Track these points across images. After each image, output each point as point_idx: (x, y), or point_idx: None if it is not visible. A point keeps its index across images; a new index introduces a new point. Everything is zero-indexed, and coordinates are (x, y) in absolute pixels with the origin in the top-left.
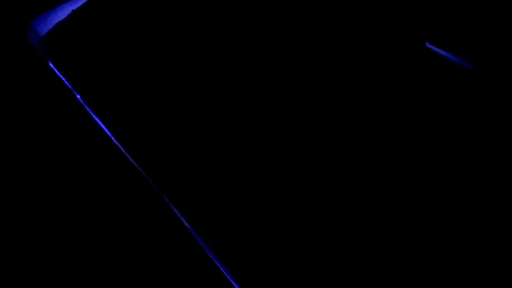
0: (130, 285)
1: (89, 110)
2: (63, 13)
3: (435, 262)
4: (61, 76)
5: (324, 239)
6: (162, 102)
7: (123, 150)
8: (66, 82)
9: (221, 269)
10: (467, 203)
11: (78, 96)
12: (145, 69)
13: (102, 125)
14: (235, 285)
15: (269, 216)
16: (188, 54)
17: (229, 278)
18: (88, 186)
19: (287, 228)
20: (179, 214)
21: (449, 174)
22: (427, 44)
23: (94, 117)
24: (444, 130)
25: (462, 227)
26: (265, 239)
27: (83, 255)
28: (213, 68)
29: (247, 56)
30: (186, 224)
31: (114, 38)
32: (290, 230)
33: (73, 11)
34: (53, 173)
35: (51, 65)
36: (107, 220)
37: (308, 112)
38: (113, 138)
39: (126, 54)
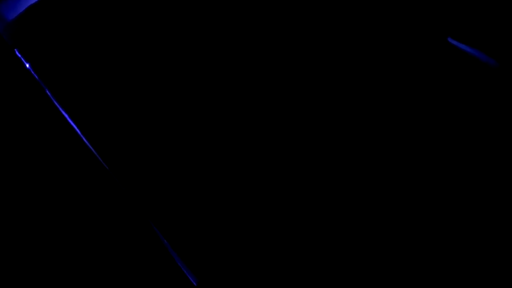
0: None
1: (58, 105)
2: None
3: (435, 262)
4: (28, 66)
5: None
6: (136, 99)
7: (92, 149)
8: (33, 73)
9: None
10: (487, 207)
11: (46, 89)
12: (121, 62)
13: (72, 123)
14: None
15: (250, 237)
16: (167, 47)
17: None
18: (52, 192)
19: (267, 245)
20: (157, 230)
21: (470, 175)
22: (449, 40)
23: (63, 112)
24: (468, 132)
25: (467, 227)
26: (246, 263)
27: (49, 273)
28: (191, 63)
29: (234, 53)
30: (165, 242)
31: (90, 27)
32: (268, 248)
33: None
34: (14, 171)
35: (17, 53)
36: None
37: (320, 110)
38: (84, 138)
39: (102, 45)
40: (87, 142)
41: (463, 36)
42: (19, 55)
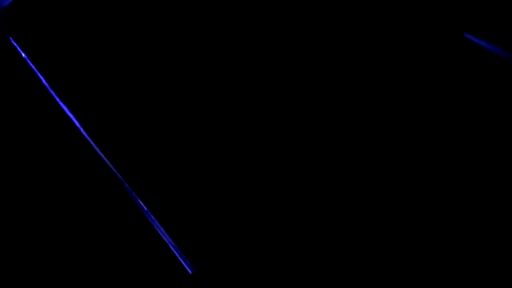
0: None
1: (53, 93)
2: None
3: (435, 262)
4: (22, 53)
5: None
6: (133, 87)
7: (89, 139)
8: (28, 61)
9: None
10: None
11: (41, 77)
12: (118, 52)
13: (68, 111)
14: None
15: (247, 232)
16: (165, 37)
17: None
18: (48, 185)
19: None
20: (157, 225)
21: (485, 173)
22: (465, 34)
23: (59, 101)
24: (483, 127)
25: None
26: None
27: (48, 264)
28: (188, 59)
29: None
30: (165, 235)
31: (85, 14)
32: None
33: None
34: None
35: (12, 41)
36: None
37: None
38: (81, 129)
39: (99, 34)
40: (84, 133)
41: (479, 30)
42: (14, 43)
